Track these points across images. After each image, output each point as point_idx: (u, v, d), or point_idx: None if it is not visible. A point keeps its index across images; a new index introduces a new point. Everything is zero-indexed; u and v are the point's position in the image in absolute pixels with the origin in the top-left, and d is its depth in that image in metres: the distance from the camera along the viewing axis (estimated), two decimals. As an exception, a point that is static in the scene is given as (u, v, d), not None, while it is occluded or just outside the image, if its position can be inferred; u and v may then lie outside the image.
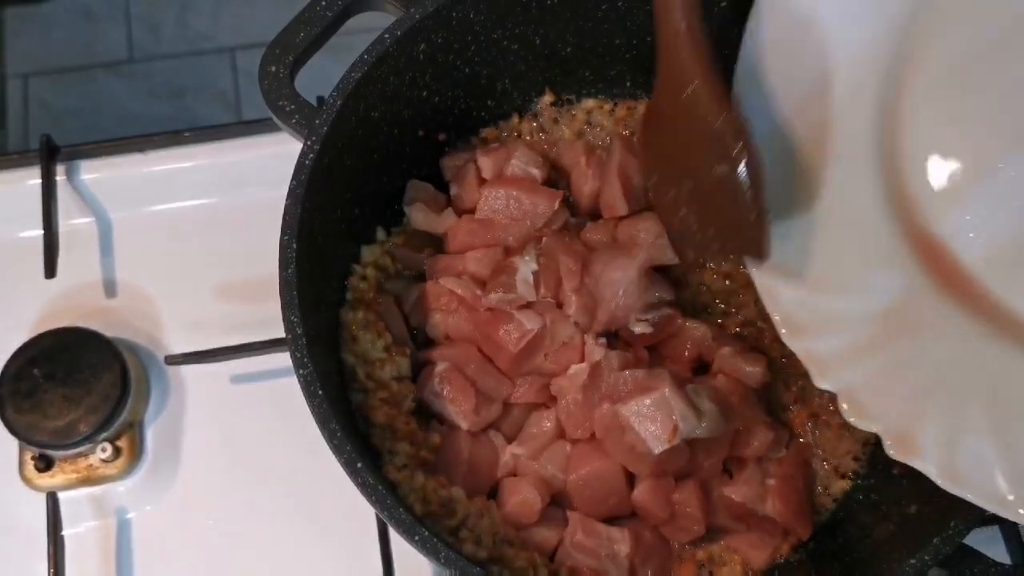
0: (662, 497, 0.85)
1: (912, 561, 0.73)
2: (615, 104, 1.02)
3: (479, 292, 0.89)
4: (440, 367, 0.87)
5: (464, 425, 0.86)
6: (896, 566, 0.74)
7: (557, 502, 0.87)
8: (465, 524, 0.82)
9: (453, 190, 0.97)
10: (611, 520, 0.86)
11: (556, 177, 0.99)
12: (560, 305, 0.89)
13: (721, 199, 0.75)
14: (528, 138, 1.01)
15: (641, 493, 0.85)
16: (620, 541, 0.83)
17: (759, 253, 0.75)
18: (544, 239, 0.91)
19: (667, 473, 0.85)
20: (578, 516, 0.84)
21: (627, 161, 0.94)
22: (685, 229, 0.81)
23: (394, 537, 0.92)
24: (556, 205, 0.92)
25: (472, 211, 0.95)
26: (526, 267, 0.89)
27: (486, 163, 0.96)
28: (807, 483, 0.90)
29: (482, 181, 0.96)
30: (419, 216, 0.95)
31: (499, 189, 0.93)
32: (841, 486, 0.91)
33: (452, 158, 0.98)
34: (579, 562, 0.83)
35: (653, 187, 0.86)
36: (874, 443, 0.91)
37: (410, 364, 0.88)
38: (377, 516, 0.92)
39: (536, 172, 0.95)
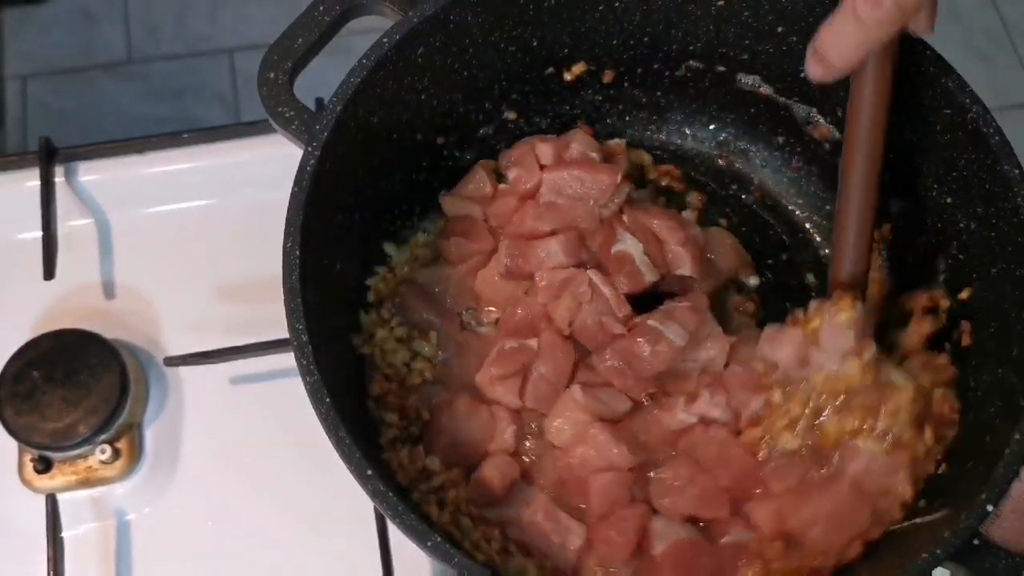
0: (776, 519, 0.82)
1: (924, 555, 0.73)
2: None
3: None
4: (508, 345, 0.89)
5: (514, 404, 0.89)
6: (908, 561, 0.74)
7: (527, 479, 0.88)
8: (439, 492, 0.84)
9: (513, 173, 0.98)
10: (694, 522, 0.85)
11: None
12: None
13: None
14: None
15: (756, 509, 0.83)
16: (575, 534, 0.84)
17: None
18: (624, 215, 0.94)
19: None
20: (544, 499, 0.85)
21: None
22: None
23: (394, 539, 0.92)
24: (619, 178, 0.94)
25: (530, 194, 0.97)
26: (635, 248, 0.91)
27: (545, 149, 0.97)
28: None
29: (540, 168, 0.97)
30: (454, 204, 0.97)
31: (561, 171, 0.95)
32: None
33: (514, 148, 1.00)
34: (530, 540, 0.84)
35: None
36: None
37: (435, 345, 0.91)
38: (377, 517, 0.92)
39: (595, 156, 0.97)
